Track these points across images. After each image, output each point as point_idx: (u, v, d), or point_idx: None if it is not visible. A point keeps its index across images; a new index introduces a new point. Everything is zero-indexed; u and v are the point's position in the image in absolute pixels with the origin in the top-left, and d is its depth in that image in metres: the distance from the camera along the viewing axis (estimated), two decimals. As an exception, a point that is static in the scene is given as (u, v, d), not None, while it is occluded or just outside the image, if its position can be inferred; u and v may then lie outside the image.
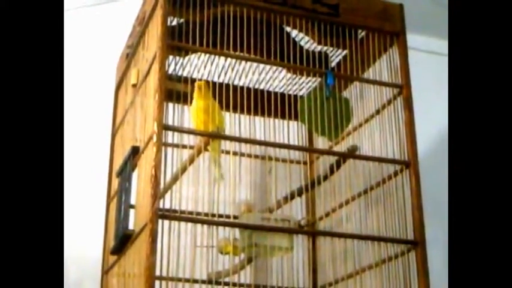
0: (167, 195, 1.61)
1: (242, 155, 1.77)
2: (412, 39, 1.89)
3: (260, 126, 1.87)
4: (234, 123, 1.83)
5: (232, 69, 1.82)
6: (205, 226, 1.54)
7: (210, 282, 1.61)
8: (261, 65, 1.86)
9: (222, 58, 1.79)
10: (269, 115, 1.84)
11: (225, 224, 1.60)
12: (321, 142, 1.90)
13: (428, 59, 2.43)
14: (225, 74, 1.86)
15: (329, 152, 1.82)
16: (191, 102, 1.70)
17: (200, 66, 1.86)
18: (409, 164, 1.69)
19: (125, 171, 1.72)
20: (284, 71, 1.91)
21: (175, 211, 1.57)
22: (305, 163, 1.98)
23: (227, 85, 1.67)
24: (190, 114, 1.70)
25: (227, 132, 1.71)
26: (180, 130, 1.61)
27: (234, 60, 1.78)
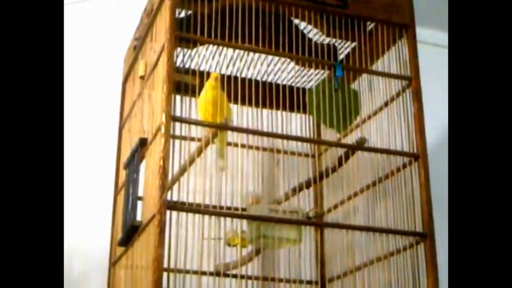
0: (175, 187, 1.61)
1: (250, 147, 1.77)
2: (420, 32, 1.88)
3: (268, 119, 1.86)
4: (242, 115, 1.83)
5: (241, 61, 1.82)
6: (213, 218, 1.54)
7: (217, 274, 1.61)
8: (269, 57, 1.85)
9: (230, 50, 1.78)
10: (277, 107, 1.83)
11: (232, 216, 1.60)
12: (328, 134, 1.89)
13: (436, 52, 2.42)
14: (233, 66, 1.85)
15: (337, 144, 1.82)
16: (199, 94, 1.69)
17: (208, 58, 1.85)
18: (418, 156, 1.69)
19: (132, 163, 1.72)
20: (292, 63, 1.91)
21: (183, 203, 1.57)
22: (313, 155, 1.98)
23: (235, 77, 1.67)
24: (198, 106, 1.70)
25: (235, 124, 1.71)
26: (188, 121, 1.61)
27: (242, 52, 1.78)
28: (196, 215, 1.53)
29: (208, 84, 1.67)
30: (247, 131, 1.68)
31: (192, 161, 1.60)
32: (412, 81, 1.75)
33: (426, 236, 1.63)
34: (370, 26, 1.81)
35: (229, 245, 1.69)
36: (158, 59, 1.64)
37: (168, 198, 1.50)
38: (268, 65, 1.88)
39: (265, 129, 1.79)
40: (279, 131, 1.79)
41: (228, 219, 1.58)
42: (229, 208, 1.72)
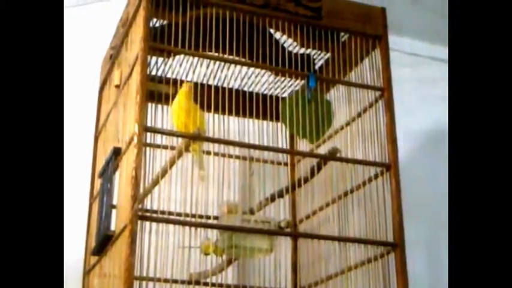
0: (151, 196, 1.62)
1: (223, 156, 1.78)
2: (397, 41, 1.90)
3: (242, 128, 1.87)
4: (218, 124, 1.84)
5: (215, 76, 1.82)
6: (186, 227, 1.55)
7: (189, 282, 1.62)
8: (244, 67, 1.87)
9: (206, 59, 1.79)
10: (251, 116, 1.84)
11: (204, 226, 1.60)
12: (304, 144, 1.91)
13: (412, 61, 2.44)
14: (208, 75, 1.86)
15: (310, 154, 1.83)
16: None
17: (183, 68, 1.85)
18: (390, 166, 1.70)
19: (106, 172, 1.72)
20: (267, 73, 1.92)
21: (155, 212, 1.58)
22: (286, 164, 1.99)
23: (209, 86, 1.68)
24: (172, 114, 1.70)
25: (209, 133, 1.72)
26: (161, 132, 1.62)
27: (217, 62, 1.78)
28: (170, 225, 1.54)
29: (182, 93, 1.68)
30: (219, 141, 1.69)
31: (165, 170, 1.60)
32: (384, 91, 1.76)
33: (397, 246, 1.64)
34: (344, 37, 1.83)
35: (203, 253, 1.70)
36: (132, 69, 1.64)
37: (147, 206, 1.51)
38: (243, 78, 1.89)
39: (239, 138, 1.80)
40: (253, 140, 1.79)
41: (201, 228, 1.59)
42: (201, 217, 1.72)
